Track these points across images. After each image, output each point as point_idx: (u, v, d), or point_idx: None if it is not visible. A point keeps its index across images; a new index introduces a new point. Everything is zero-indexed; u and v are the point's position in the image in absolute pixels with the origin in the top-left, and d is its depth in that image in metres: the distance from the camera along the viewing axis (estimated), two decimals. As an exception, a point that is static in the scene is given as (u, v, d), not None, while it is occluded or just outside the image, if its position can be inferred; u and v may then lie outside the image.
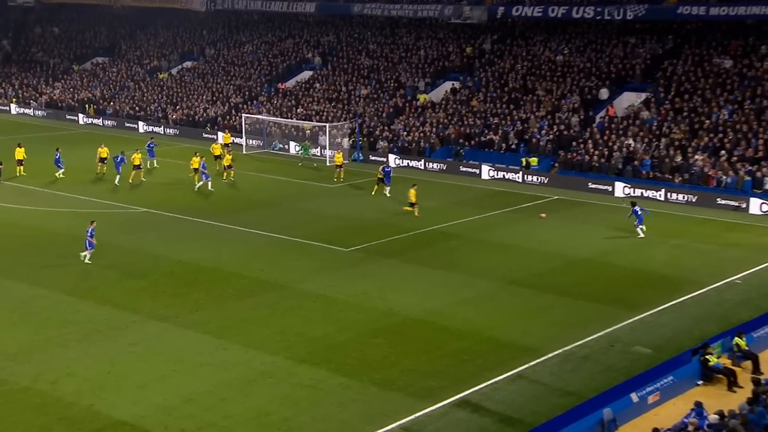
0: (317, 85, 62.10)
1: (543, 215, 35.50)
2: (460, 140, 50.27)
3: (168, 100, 66.72)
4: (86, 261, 28.99)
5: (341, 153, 46.60)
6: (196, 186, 41.60)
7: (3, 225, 34.57)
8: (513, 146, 48.45)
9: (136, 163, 43.41)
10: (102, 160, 45.23)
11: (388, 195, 40.76)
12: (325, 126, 52.31)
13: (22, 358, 21.12)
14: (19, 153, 45.11)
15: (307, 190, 43.17)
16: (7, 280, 27.27)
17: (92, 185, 42.77)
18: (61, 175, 43.25)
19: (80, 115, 67.49)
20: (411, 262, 29.94)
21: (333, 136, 52.76)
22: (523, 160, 46.68)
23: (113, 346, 22.04)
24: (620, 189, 42.38)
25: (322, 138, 53.59)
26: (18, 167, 44.81)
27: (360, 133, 52.66)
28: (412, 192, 36.41)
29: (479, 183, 45.32)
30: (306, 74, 65.15)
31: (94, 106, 68.88)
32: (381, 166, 42.09)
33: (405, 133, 52.42)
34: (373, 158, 51.00)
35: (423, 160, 48.98)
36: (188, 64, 73.23)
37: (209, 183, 41.58)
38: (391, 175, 41.46)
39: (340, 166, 45.18)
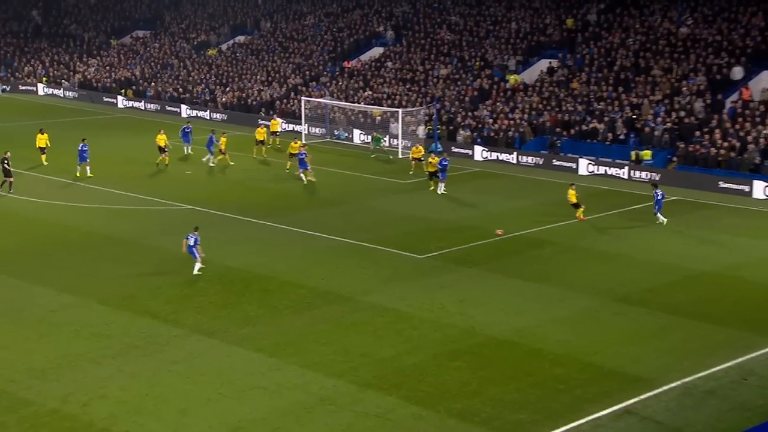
0: (389, 63, 62.28)
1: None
2: (557, 129, 49.76)
3: (217, 80, 67.91)
4: (195, 272, 29.07)
5: (421, 146, 46.52)
6: (305, 179, 42.63)
7: (29, 222, 35.72)
8: (621, 137, 47.70)
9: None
10: (162, 149, 46.03)
11: (441, 192, 40.59)
12: (398, 112, 52.41)
13: (50, 376, 21.74)
14: (41, 140, 46.19)
15: (376, 186, 43.34)
16: (34, 286, 28.14)
17: (130, 179, 43.80)
18: (89, 173, 42.93)
19: (119, 98, 69.25)
20: (496, 273, 29.77)
21: (407, 123, 52.84)
22: (633, 153, 45.87)
23: (152, 364, 22.49)
24: (760, 189, 41.13)
25: (393, 126, 53.72)
26: (41, 156, 46.12)
27: (438, 120, 52.60)
28: (571, 192, 36.15)
29: (576, 180, 44.67)
30: (376, 51, 65.45)
31: (133, 88, 70.54)
32: (438, 158, 41.84)
33: (491, 120, 52.16)
34: (455, 150, 50.83)
35: (516, 153, 48.69)
36: (240, 38, 74.42)
37: (308, 174, 42.66)
38: (447, 168, 41.03)
39: (418, 160, 45.06)
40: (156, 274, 29.39)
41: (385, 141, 52.27)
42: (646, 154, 45.71)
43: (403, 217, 37.13)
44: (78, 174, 43.08)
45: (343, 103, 57.03)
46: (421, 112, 53.61)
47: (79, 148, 43.44)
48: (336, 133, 55.79)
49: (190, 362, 22.59)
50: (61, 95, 73.19)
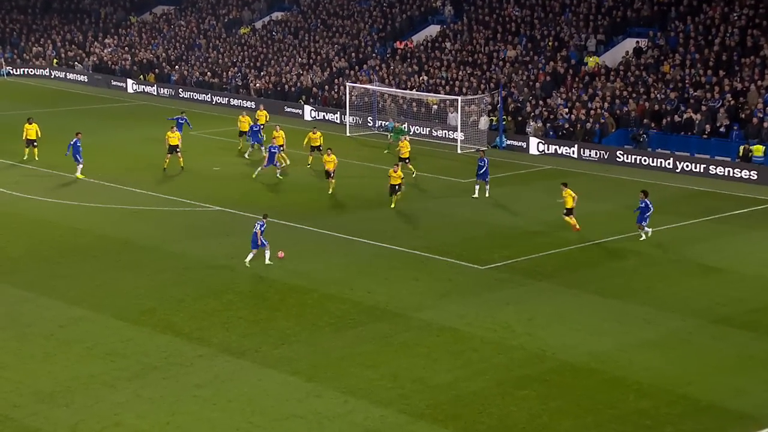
0: (447, 44, 62.23)
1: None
2: (645, 120, 49.29)
3: (250, 63, 68.45)
4: (267, 262, 31.04)
5: (407, 141, 44.75)
6: (278, 174, 42.94)
7: (36, 224, 36.28)
8: (722, 129, 47.08)
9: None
10: (173, 148, 44.94)
11: (477, 196, 40.03)
12: (457, 100, 52.33)
13: (59, 400, 22.01)
14: (29, 131, 46.53)
15: (432, 185, 43.30)
16: (42, 298, 28.53)
17: (150, 175, 44.25)
18: (80, 175, 42.46)
19: (136, 83, 70.08)
20: (571, 287, 29.60)
21: (467, 114, 52.75)
22: (742, 148, 45.10)
23: (174, 388, 22.68)
24: None
25: (452, 116, 53.63)
26: (27, 149, 46.42)
27: (504, 110, 52.42)
28: (567, 193, 35.41)
29: (668, 179, 44.29)
30: (432, 29, 65.43)
31: (155, 72, 71.34)
32: (479, 155, 41.00)
33: (566, 110, 51.85)
34: (520, 144, 50.58)
35: (595, 148, 48.32)
36: (277, 15, 74.92)
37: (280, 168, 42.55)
38: (487, 171, 40.08)
39: (404, 160, 43.16)
40: (179, 284, 29.67)
41: (442, 132, 51.79)
42: (758, 150, 44.89)
43: (462, 222, 37.05)
44: (78, 175, 42.57)
45: (393, 90, 57.07)
46: (484, 101, 53.46)
47: (73, 143, 42.62)
48: (385, 124, 55.82)
49: (216, 386, 22.74)
50: (74, 79, 74.31)
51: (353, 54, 65.02)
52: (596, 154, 48.34)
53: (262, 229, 30.95)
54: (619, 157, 47.66)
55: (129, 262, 31.80)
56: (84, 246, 33.55)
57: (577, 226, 34.95)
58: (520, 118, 52.39)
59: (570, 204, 35.13)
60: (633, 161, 47.26)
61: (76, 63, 76.09)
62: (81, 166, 42.85)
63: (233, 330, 26.05)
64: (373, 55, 64.33)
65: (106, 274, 30.63)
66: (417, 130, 54.19)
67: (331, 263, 31.90)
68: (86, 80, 73.49)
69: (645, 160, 47.01)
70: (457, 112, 52.06)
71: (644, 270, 31.51)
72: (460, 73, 57.84)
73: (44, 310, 27.46)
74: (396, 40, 65.37)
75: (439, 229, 35.93)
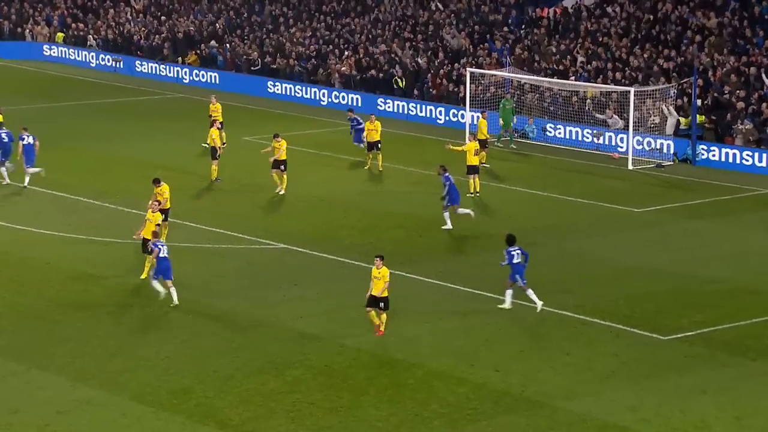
0: (614, 9, 61.87)
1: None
2: None
3: (331, 38, 68.83)
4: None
5: (474, 142, 45.44)
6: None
7: (28, 267, 36.81)
8: None
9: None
10: (214, 151, 46.15)
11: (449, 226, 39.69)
12: (629, 92, 51.94)
13: None
14: None
15: (591, 215, 43.15)
16: (34, 371, 28.82)
17: (190, 199, 44.61)
18: None
19: (175, 66, 71.06)
20: (802, 371, 29.18)
21: (642, 110, 52.24)
22: None
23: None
24: None
25: (611, 119, 53.22)
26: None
27: (698, 105, 51.82)
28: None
29: None
30: (591, -10, 65.26)
31: (200, 50, 72.19)
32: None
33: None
34: (724, 158, 49.85)
35: None
36: (368, -30, 75.46)
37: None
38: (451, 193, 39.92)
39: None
40: (226, 354, 29.86)
41: (606, 134, 51.78)
42: None
43: (633, 270, 36.84)
44: None
45: (533, 78, 56.94)
46: (670, 92, 52.97)
47: None
48: (523, 127, 55.71)
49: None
50: (86, 61, 75.69)
51: (476, 26, 65.09)
52: None
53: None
54: None
55: (157, 320, 32.16)
56: (95, 299, 33.99)
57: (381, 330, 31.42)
58: (728, 119, 51.62)
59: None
60: None
61: (89, 37, 77.22)
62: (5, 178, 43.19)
63: (301, 421, 26.12)
64: (505, 28, 64.29)
65: (125, 338, 31.00)
66: (568, 134, 53.98)
67: (443, 327, 31.87)
68: (103, 63, 74.63)
69: None
70: (628, 108, 51.63)
71: None
72: (634, 52, 57.42)
73: (37, 390, 27.81)
74: (538, 5, 65.29)
75: (600, 281, 35.80)
